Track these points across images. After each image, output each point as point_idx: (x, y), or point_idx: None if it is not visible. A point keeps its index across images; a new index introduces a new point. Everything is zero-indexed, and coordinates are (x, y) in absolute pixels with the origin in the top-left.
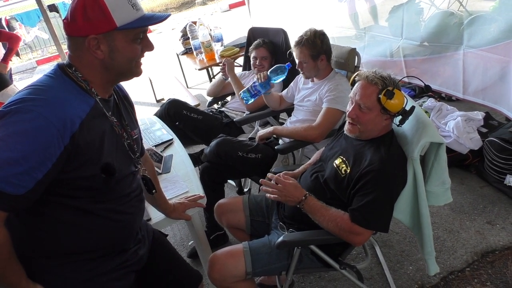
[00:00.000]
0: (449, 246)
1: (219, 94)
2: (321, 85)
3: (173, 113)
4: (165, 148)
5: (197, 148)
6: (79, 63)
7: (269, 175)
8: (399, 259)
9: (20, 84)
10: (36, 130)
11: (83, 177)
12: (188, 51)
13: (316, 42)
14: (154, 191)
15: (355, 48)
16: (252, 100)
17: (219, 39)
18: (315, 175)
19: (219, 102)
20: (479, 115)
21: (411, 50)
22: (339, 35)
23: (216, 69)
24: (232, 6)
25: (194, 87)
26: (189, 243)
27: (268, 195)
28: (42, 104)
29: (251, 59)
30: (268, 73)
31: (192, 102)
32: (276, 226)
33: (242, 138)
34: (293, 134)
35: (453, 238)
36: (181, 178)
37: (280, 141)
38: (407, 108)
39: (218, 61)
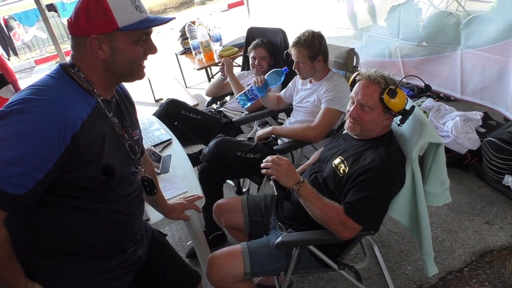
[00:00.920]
0: (448, 246)
1: (218, 94)
2: (320, 86)
3: (172, 113)
4: (164, 148)
5: (195, 148)
6: (81, 63)
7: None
8: (397, 259)
9: (19, 83)
10: (37, 130)
11: (83, 177)
12: (187, 51)
13: (314, 43)
14: (155, 192)
15: (353, 48)
16: (249, 104)
17: (218, 39)
18: (314, 176)
19: (218, 102)
20: (478, 115)
21: (409, 50)
22: (338, 35)
23: (215, 69)
24: (231, 6)
25: (193, 87)
26: (188, 243)
27: (264, 170)
28: (43, 104)
29: (250, 59)
30: (266, 77)
31: (191, 102)
32: (274, 226)
33: (241, 138)
34: (291, 134)
35: (451, 238)
36: (180, 178)
37: (279, 141)
38: (407, 107)
39: (217, 61)
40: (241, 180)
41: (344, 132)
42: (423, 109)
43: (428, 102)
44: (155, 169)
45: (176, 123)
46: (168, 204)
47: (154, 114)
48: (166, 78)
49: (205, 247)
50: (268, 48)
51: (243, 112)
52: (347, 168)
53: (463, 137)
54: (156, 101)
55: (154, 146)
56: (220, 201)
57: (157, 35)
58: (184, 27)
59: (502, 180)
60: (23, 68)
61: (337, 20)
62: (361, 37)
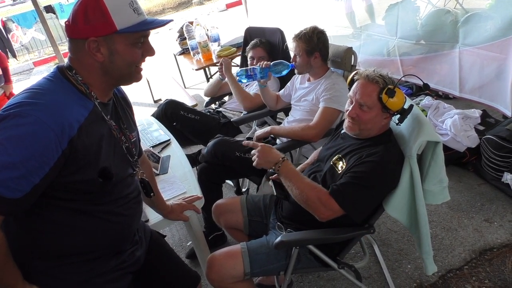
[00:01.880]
0: (447, 244)
1: (217, 94)
2: (318, 85)
3: (170, 113)
4: (163, 148)
5: (194, 149)
6: (79, 65)
7: (244, 142)
8: (397, 258)
9: (17, 85)
10: (34, 134)
11: (80, 181)
12: (185, 51)
13: (312, 38)
14: (152, 194)
15: (351, 47)
16: (245, 81)
17: (216, 39)
18: (313, 175)
19: (217, 102)
20: (476, 113)
21: (407, 49)
22: (336, 34)
23: (213, 69)
24: (229, 6)
25: (191, 87)
26: (188, 244)
27: (254, 163)
28: (40, 108)
29: (248, 59)
30: (271, 64)
31: (189, 103)
32: (274, 226)
33: (239, 138)
34: (290, 133)
35: (451, 236)
36: (179, 179)
37: (278, 141)
38: (406, 106)
39: (215, 61)
40: (240, 180)
41: (343, 131)
42: (421, 108)
43: (426, 100)
44: (154, 170)
45: (174, 123)
46: (167, 205)
47: (153, 115)
48: (165, 79)
49: (205, 247)
50: (266, 48)
51: (241, 112)
52: (345, 165)
53: (462, 135)
54: (155, 101)
55: (153, 147)
56: (219, 201)
57: (155, 36)
58: (182, 28)
59: (501, 177)
60: (22, 70)
61: (336, 19)
62: (359, 35)
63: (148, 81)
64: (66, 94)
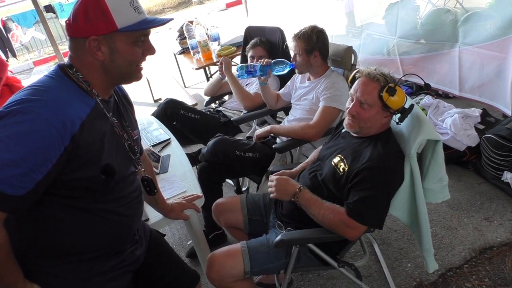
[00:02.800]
0: (447, 243)
1: (217, 94)
2: (318, 84)
3: (171, 113)
4: (163, 148)
5: (194, 148)
6: (79, 64)
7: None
8: (397, 257)
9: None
10: (36, 131)
11: (82, 178)
12: (185, 51)
13: (312, 37)
14: (155, 191)
15: (351, 46)
16: (245, 77)
17: (216, 38)
18: (313, 174)
19: (217, 102)
20: (476, 112)
21: (407, 48)
22: (336, 33)
23: (213, 69)
24: (229, 5)
25: (191, 86)
26: (188, 243)
27: (272, 195)
28: (42, 105)
29: (248, 58)
30: (272, 61)
31: (189, 102)
32: (274, 225)
33: (239, 137)
34: (290, 132)
35: (451, 235)
36: (179, 178)
37: (278, 140)
38: (406, 106)
39: (215, 60)
40: (240, 179)
41: (343, 130)
42: (421, 107)
43: (426, 99)
44: (154, 169)
45: (174, 123)
46: (168, 204)
47: (153, 114)
48: (165, 78)
49: (205, 246)
50: (266, 47)
51: (241, 111)
52: (347, 166)
53: (462, 134)
54: (155, 101)
55: (153, 146)
56: (219, 200)
57: (156, 35)
58: (182, 27)
59: (501, 176)
60: (22, 69)
61: (336, 18)
62: (359, 35)
63: (148, 81)
64: (67, 91)
